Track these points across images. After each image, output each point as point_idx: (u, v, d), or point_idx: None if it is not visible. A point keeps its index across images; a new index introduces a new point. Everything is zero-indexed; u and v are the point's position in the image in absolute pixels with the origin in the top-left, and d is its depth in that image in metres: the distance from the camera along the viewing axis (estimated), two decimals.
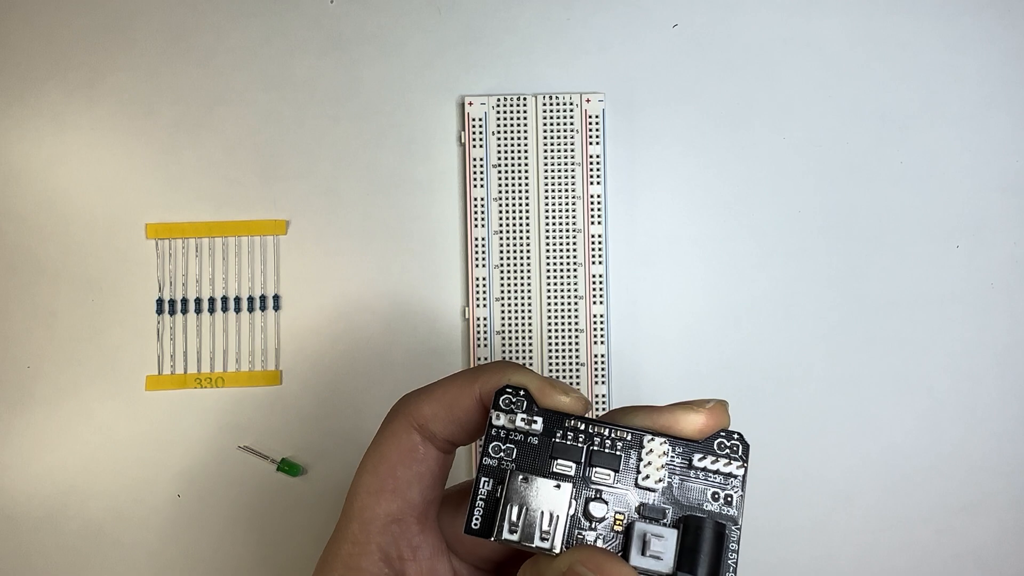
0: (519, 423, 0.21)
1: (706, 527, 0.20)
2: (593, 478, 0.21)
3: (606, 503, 0.21)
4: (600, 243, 0.40)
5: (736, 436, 0.21)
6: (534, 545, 0.20)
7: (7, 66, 0.42)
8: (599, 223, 0.40)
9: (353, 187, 0.41)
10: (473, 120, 0.41)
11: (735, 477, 0.21)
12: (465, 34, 0.42)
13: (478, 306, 0.40)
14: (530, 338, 0.40)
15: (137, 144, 0.41)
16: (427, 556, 0.23)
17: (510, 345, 0.40)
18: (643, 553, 0.20)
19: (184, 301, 0.41)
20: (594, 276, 0.40)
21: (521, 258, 0.40)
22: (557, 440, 0.21)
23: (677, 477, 0.21)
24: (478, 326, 0.40)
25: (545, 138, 0.40)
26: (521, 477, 0.20)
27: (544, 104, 0.41)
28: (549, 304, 0.40)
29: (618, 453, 0.21)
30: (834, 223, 0.41)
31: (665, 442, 0.21)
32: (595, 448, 0.21)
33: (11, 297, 0.41)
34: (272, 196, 0.41)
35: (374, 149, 0.41)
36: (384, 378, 0.40)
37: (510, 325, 0.40)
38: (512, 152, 0.40)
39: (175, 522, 0.40)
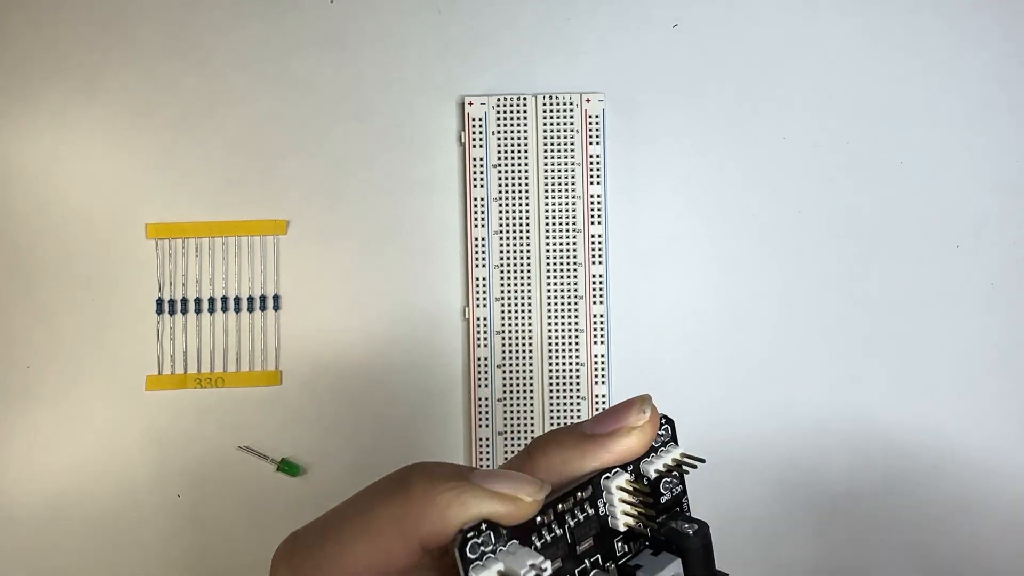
0: (502, 568, 0.17)
1: (691, 546, 0.19)
2: (579, 552, 0.19)
3: (608, 572, 0.19)
4: (600, 243, 0.40)
5: (663, 420, 0.21)
6: None
7: (7, 66, 0.42)
8: (599, 223, 0.40)
9: (353, 187, 0.41)
10: (473, 120, 0.41)
11: (674, 459, 0.21)
12: (465, 34, 0.42)
13: (478, 306, 0.40)
14: (530, 338, 0.40)
15: (137, 144, 0.41)
16: None
17: (510, 345, 0.40)
18: None
19: (184, 301, 0.41)
20: (594, 276, 0.40)
21: (521, 258, 0.40)
22: (539, 547, 0.19)
23: (640, 495, 0.20)
24: (478, 326, 0.40)
25: (545, 138, 0.40)
26: None
27: (544, 104, 0.41)
28: (549, 304, 0.40)
29: (592, 514, 0.19)
30: (834, 223, 0.41)
31: (619, 473, 0.20)
32: (571, 526, 0.19)
33: (11, 297, 0.41)
34: (272, 196, 0.41)
35: (374, 149, 0.41)
36: (384, 378, 0.40)
37: (510, 325, 0.40)
38: (512, 152, 0.40)
39: (175, 522, 0.40)
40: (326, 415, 0.40)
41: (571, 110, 0.41)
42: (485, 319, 0.40)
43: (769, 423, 0.40)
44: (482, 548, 0.17)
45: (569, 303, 0.40)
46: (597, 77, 0.42)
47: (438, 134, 0.41)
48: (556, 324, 0.40)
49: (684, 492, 0.21)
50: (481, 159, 0.40)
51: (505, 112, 0.41)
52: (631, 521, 0.19)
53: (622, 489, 0.20)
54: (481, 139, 0.40)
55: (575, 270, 0.40)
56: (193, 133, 0.41)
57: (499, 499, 0.17)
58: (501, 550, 0.17)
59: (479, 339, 0.40)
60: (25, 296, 0.41)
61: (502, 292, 0.40)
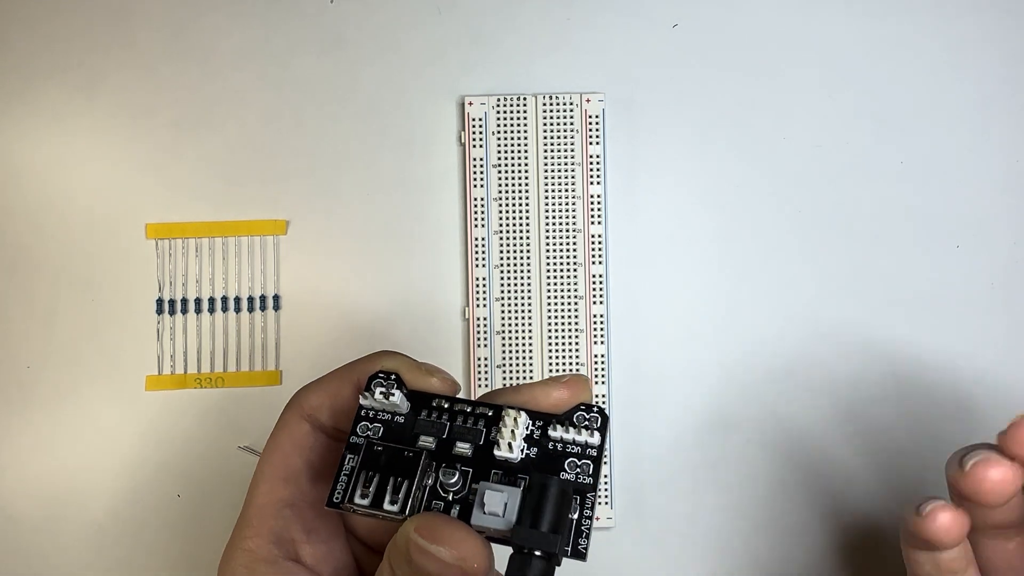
0: (378, 398, 0.22)
1: (552, 485, 0.20)
2: (454, 452, 0.22)
3: (458, 471, 0.21)
4: (600, 243, 0.40)
5: (596, 409, 0.22)
6: (383, 510, 0.21)
7: (7, 66, 0.42)
8: (599, 223, 0.40)
9: (353, 187, 0.41)
10: (473, 120, 0.41)
11: (592, 447, 0.22)
12: (465, 34, 0.42)
13: (478, 306, 0.40)
14: (530, 338, 0.40)
15: (137, 144, 0.41)
16: (322, 539, 0.24)
17: (510, 345, 0.40)
18: (484, 511, 0.20)
19: (184, 301, 0.41)
20: (594, 276, 0.40)
21: (521, 258, 0.40)
22: (421, 418, 0.22)
23: (536, 449, 0.22)
24: (478, 326, 0.40)
25: (545, 138, 0.40)
26: (376, 446, 0.21)
27: (544, 104, 0.41)
28: (549, 304, 0.40)
29: (480, 428, 0.22)
30: (834, 223, 0.41)
31: (523, 414, 0.22)
32: (457, 424, 0.22)
33: (11, 297, 0.41)
34: (272, 196, 0.41)
35: (374, 149, 0.41)
36: None
37: (510, 325, 0.40)
38: (512, 152, 0.40)
39: (175, 522, 0.40)
40: None
41: (571, 110, 0.41)
42: (485, 319, 0.40)
43: (769, 423, 0.40)
44: (382, 385, 0.22)
45: (569, 303, 0.40)
46: (597, 77, 0.42)
47: (438, 134, 0.41)
48: (556, 324, 0.40)
49: (592, 487, 0.21)
50: (481, 159, 0.40)
51: (505, 112, 0.41)
52: (505, 452, 0.21)
53: (513, 414, 0.22)
54: (481, 139, 0.40)
55: (575, 270, 0.40)
56: (193, 133, 0.41)
57: (414, 365, 0.23)
58: (381, 391, 0.22)
59: (479, 339, 0.40)
60: (25, 296, 0.41)
61: (502, 292, 0.40)
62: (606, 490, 0.39)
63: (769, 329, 0.41)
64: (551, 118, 0.41)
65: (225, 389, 0.40)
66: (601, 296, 0.40)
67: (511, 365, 0.40)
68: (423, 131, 0.42)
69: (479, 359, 0.40)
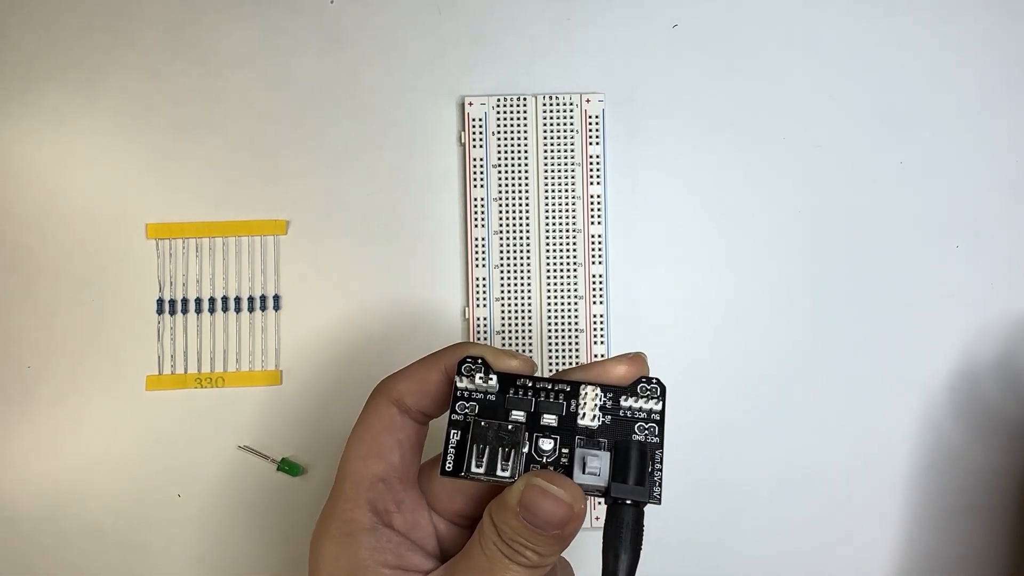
0: (478, 382, 0.25)
1: (633, 448, 0.24)
2: (542, 423, 0.25)
3: (553, 439, 0.25)
4: (600, 243, 0.40)
5: (655, 380, 0.26)
6: (496, 475, 0.24)
7: (7, 66, 0.42)
8: (599, 223, 0.40)
9: (353, 187, 0.41)
10: (473, 120, 0.41)
11: (655, 412, 0.25)
12: (465, 34, 0.42)
13: (478, 306, 0.40)
14: (530, 338, 0.40)
15: (137, 144, 0.41)
16: (409, 509, 0.27)
17: (510, 345, 0.40)
18: (584, 471, 0.25)
19: (184, 301, 0.41)
20: (594, 276, 0.40)
21: (521, 258, 0.40)
22: (510, 395, 0.26)
23: (609, 416, 0.25)
24: (478, 326, 0.40)
25: (545, 138, 0.40)
26: (482, 422, 0.25)
27: (544, 104, 0.41)
28: (549, 304, 0.40)
29: (561, 401, 0.25)
30: (834, 223, 0.41)
31: (597, 388, 0.25)
32: (541, 399, 0.25)
33: (11, 297, 0.41)
34: (272, 196, 0.41)
35: (374, 149, 0.41)
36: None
37: (510, 325, 0.40)
38: (512, 152, 0.40)
39: (175, 522, 0.40)
40: (326, 415, 0.40)
41: (571, 110, 0.41)
42: (485, 319, 0.40)
43: (768, 422, 0.40)
44: (472, 370, 0.25)
45: (569, 303, 0.40)
46: (597, 77, 0.42)
47: (438, 134, 0.41)
48: (556, 324, 0.40)
49: (660, 444, 0.25)
50: (481, 159, 0.40)
51: (505, 112, 0.41)
52: (588, 422, 0.25)
53: (590, 389, 0.25)
54: (481, 139, 0.40)
55: (575, 270, 0.40)
56: (193, 133, 0.41)
57: (497, 350, 0.26)
58: (480, 375, 0.25)
59: (479, 339, 0.40)
60: (25, 296, 0.41)
61: (502, 292, 0.40)
62: None
63: (769, 329, 0.41)
64: (551, 118, 0.41)
65: (225, 389, 0.40)
66: (601, 296, 0.40)
67: None
68: (423, 131, 0.42)
69: None
